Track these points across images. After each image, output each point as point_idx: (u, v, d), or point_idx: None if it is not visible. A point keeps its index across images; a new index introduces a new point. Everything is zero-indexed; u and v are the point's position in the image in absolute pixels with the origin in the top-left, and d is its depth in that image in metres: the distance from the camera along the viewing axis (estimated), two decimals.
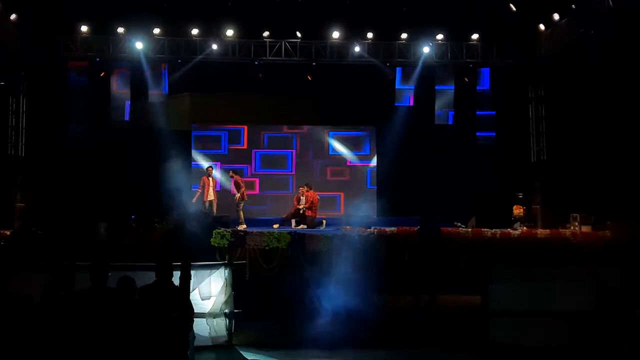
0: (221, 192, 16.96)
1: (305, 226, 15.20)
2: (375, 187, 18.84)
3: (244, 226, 14.78)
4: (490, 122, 18.42)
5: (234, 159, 18.31)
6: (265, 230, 12.63)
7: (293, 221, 15.61)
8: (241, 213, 15.52)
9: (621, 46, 12.99)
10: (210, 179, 15.71)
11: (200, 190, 15.51)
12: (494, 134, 18.35)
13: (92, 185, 16.32)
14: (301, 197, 15.94)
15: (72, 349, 5.05)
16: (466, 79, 17.94)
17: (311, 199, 15.77)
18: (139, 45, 16.70)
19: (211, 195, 15.56)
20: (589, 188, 14.31)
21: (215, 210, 15.52)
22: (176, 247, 9.15)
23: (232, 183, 16.18)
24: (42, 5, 15.68)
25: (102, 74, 17.35)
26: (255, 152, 18.68)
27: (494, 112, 18.35)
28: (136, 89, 17.45)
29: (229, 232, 11.93)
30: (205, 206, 15.39)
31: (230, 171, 16.38)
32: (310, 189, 16.16)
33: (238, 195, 15.65)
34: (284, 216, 15.99)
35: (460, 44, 17.57)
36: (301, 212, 15.70)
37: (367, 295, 9.66)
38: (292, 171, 18.61)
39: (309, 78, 17.46)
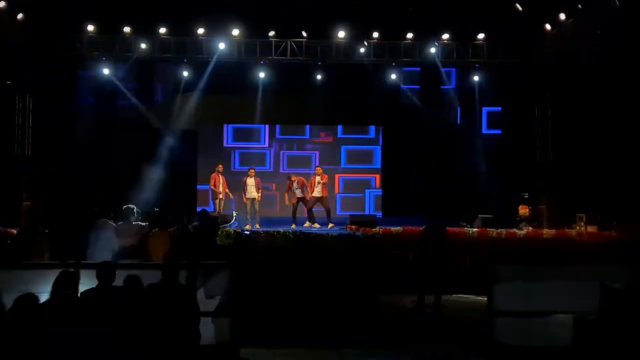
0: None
1: (318, 225, 15.16)
2: (381, 187, 18.84)
3: (258, 226, 14.90)
4: (496, 121, 18.41)
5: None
6: (274, 229, 12.61)
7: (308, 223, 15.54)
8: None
9: (628, 46, 12.94)
10: (221, 176, 15.68)
11: (214, 189, 15.52)
12: (500, 133, 18.32)
13: (98, 185, 16.36)
14: (305, 182, 15.86)
15: (78, 349, 5.07)
16: None
17: (324, 180, 15.70)
18: (145, 44, 16.75)
19: (222, 194, 15.57)
20: (595, 188, 14.26)
21: (222, 209, 15.53)
22: (183, 246, 9.16)
23: (255, 183, 15.69)
24: (48, 5, 15.73)
25: (107, 73, 17.41)
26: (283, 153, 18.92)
27: (500, 112, 18.33)
28: (142, 88, 17.51)
29: (235, 231, 11.93)
30: (216, 205, 15.40)
31: (251, 169, 16.08)
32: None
33: (259, 195, 15.62)
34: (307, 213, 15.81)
35: (466, 44, 17.55)
36: (315, 196, 15.56)
37: (372, 295, 9.66)
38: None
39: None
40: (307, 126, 19.09)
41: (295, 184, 15.70)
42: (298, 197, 15.68)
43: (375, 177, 18.99)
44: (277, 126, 18.97)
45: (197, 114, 18.39)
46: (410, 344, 8.11)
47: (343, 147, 19.06)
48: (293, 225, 15.14)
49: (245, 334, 7.78)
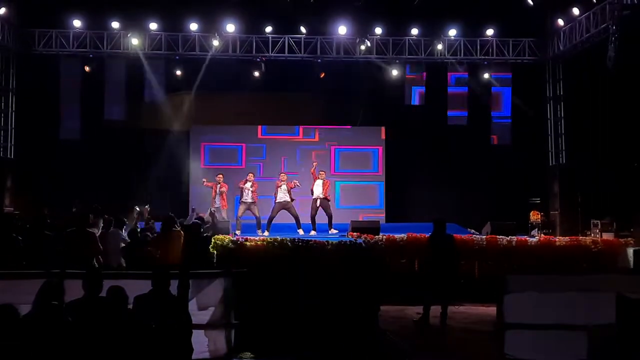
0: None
1: (336, 231, 15.04)
2: (384, 192, 18.82)
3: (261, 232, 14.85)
4: (506, 122, 18.38)
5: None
6: (273, 236, 12.56)
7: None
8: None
9: None
10: (218, 186, 15.58)
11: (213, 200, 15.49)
12: (510, 134, 18.32)
13: (85, 188, 16.36)
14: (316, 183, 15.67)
15: None
16: None
17: (327, 185, 15.59)
18: (134, 40, 16.76)
19: (217, 203, 15.48)
20: (610, 193, 14.27)
21: (225, 217, 15.47)
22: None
23: (253, 187, 15.36)
24: None
25: (95, 72, 17.40)
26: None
27: (510, 112, 18.33)
28: (132, 87, 17.49)
29: (228, 238, 11.90)
30: (213, 214, 15.34)
31: (250, 174, 15.73)
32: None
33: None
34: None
35: (474, 40, 17.58)
36: (318, 202, 15.40)
37: (375, 305, 9.65)
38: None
39: (322, 76, 17.39)
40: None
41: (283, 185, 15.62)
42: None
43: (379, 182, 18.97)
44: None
45: (189, 114, 18.38)
46: (415, 358, 8.10)
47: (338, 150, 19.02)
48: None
49: (240, 347, 7.78)
